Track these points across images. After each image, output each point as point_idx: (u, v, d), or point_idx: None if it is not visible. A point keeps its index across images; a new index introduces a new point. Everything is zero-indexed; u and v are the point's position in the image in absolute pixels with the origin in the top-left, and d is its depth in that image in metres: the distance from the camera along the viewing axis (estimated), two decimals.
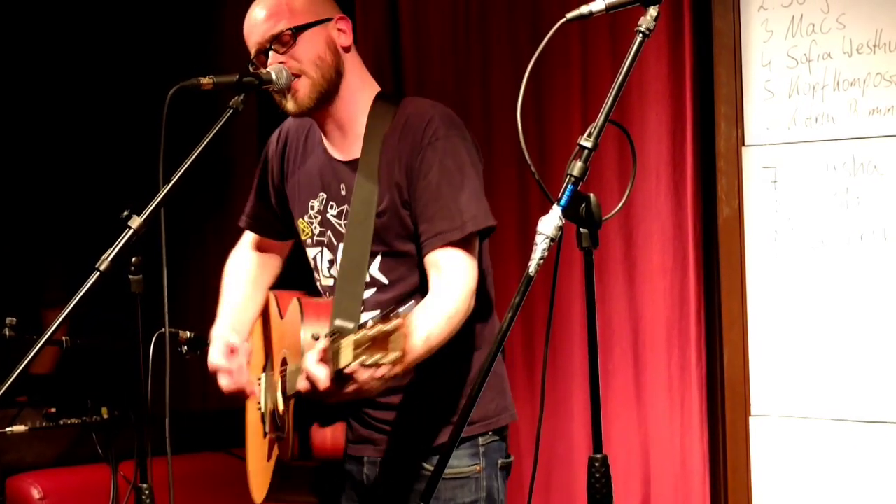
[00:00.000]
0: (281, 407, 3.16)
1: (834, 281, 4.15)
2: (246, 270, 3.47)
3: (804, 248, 4.20)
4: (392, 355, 2.48)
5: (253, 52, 3.12)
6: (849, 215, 4.12)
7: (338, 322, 2.89)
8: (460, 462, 3.07)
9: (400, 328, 2.47)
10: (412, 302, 3.02)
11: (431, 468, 3.05)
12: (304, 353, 2.91)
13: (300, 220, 3.24)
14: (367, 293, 3.10)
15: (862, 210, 4.09)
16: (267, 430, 3.30)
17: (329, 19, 3.13)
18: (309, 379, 2.73)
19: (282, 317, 3.31)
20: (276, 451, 3.19)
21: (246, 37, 3.14)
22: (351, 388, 2.66)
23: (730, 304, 4.37)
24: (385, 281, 3.09)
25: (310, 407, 3.00)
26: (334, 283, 3.16)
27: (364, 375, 2.60)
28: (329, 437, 3.04)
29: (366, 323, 2.53)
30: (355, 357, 2.50)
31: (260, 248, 3.50)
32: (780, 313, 4.25)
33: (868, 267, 4.09)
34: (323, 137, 3.20)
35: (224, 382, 3.20)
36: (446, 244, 2.95)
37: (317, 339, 2.93)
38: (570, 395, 4.75)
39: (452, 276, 2.94)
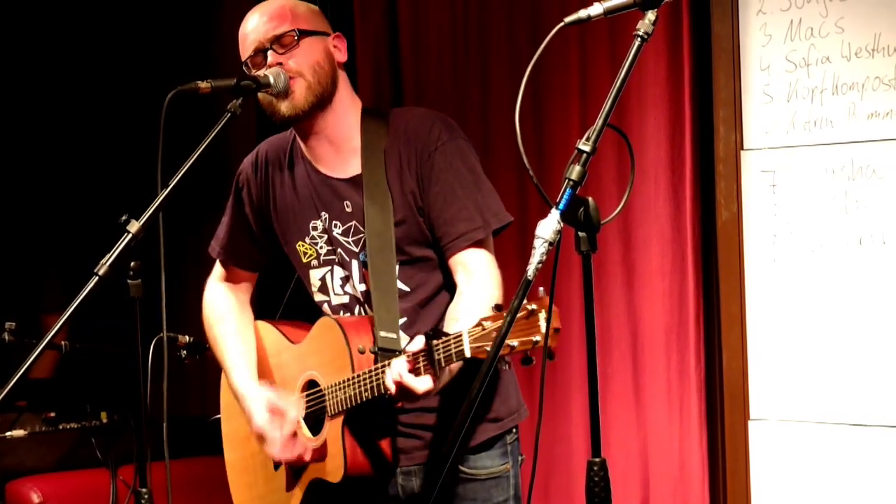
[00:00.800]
0: (307, 432, 3.15)
1: (832, 284, 4.15)
2: (232, 315, 3.43)
3: (803, 251, 4.20)
4: (533, 337, 2.58)
5: (250, 51, 3.11)
6: (847, 219, 4.12)
7: (382, 333, 2.98)
8: (493, 462, 3.11)
9: (536, 311, 2.54)
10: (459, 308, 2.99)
11: (468, 471, 3.10)
12: (354, 367, 2.96)
13: (299, 243, 3.23)
14: None
15: (860, 214, 4.09)
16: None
17: (327, 34, 3.16)
18: (404, 385, 2.76)
19: (293, 342, 3.29)
20: (305, 478, 3.17)
21: (242, 38, 3.14)
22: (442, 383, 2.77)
23: (729, 307, 4.37)
24: (406, 289, 3.10)
25: (358, 422, 3.02)
26: (350, 299, 3.17)
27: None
28: (380, 448, 3.06)
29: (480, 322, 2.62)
30: (474, 350, 2.62)
31: (232, 282, 3.47)
32: (779, 317, 4.25)
33: (867, 270, 4.09)
34: (307, 155, 3.19)
35: (275, 452, 3.16)
36: (470, 244, 3.00)
37: (362, 352, 2.99)
38: (568, 398, 4.75)
39: (482, 275, 2.99)
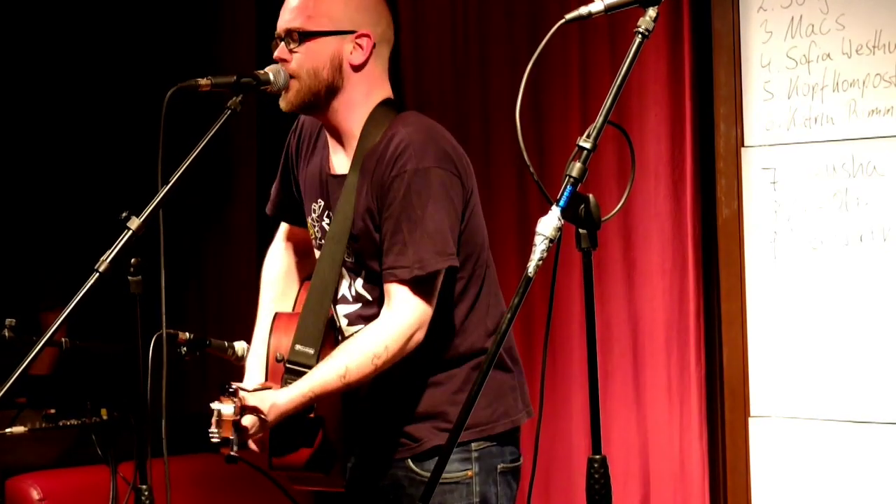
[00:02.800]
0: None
1: (833, 282, 4.15)
2: (275, 283, 3.40)
3: (803, 248, 4.20)
4: (215, 439, 2.86)
5: (276, 32, 3.09)
6: (848, 216, 4.12)
7: (298, 347, 3.03)
8: (450, 467, 3.04)
9: (219, 414, 2.84)
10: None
11: (422, 473, 3.08)
12: (268, 374, 3.07)
13: (307, 218, 3.23)
14: (354, 307, 3.11)
15: (861, 211, 4.09)
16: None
17: (349, 32, 3.06)
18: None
19: None
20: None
21: (280, 14, 3.11)
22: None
23: (729, 304, 4.37)
24: (369, 298, 3.09)
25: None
26: None
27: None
28: (303, 452, 3.08)
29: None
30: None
31: (291, 239, 3.43)
32: (780, 314, 4.25)
33: (867, 268, 4.09)
34: (329, 144, 3.19)
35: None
36: (397, 280, 2.96)
37: (279, 361, 3.05)
38: (569, 395, 4.75)
39: (394, 313, 2.97)
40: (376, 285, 3.06)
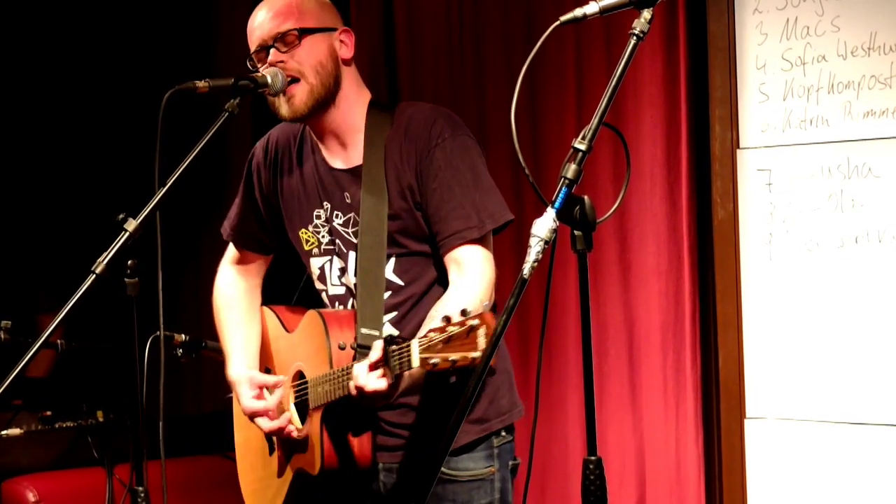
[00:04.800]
0: (297, 420, 3.17)
1: (828, 283, 4.15)
2: (239, 301, 3.43)
3: (799, 250, 4.21)
4: (471, 354, 2.55)
5: (254, 47, 3.10)
6: (843, 218, 4.12)
7: (364, 330, 2.99)
8: (476, 464, 3.08)
9: (476, 327, 2.54)
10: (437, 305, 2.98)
11: (449, 472, 3.07)
12: (332, 363, 2.97)
13: (302, 230, 3.23)
14: (384, 296, 3.10)
15: (857, 213, 4.10)
16: (276, 446, 3.29)
17: (333, 29, 3.13)
18: (363, 389, 2.78)
19: (288, 331, 3.30)
20: (292, 466, 3.19)
21: (249, 32, 3.12)
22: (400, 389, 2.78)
23: (724, 306, 4.37)
24: (400, 282, 3.10)
25: (337, 417, 3.02)
26: (346, 290, 3.17)
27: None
28: (357, 445, 3.05)
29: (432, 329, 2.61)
30: (422, 361, 2.61)
31: (243, 264, 3.46)
32: (775, 316, 4.26)
33: (863, 269, 4.09)
34: (319, 145, 3.19)
35: (263, 423, 3.19)
36: (465, 242, 2.98)
37: (343, 349, 2.98)
38: (564, 397, 4.75)
39: (473, 271, 2.97)
40: (410, 265, 3.08)
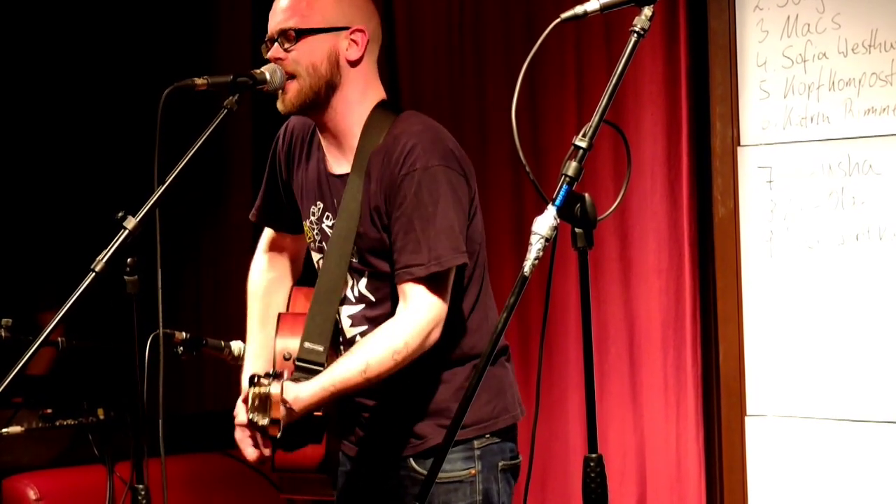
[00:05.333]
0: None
1: (829, 281, 4.15)
2: (265, 294, 3.40)
3: (800, 248, 4.20)
4: (264, 420, 2.83)
5: (268, 35, 3.09)
6: (844, 215, 4.12)
7: (307, 345, 3.03)
8: (453, 466, 3.05)
9: (270, 396, 2.82)
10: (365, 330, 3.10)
11: (423, 472, 3.07)
12: (274, 371, 3.00)
13: (305, 222, 3.23)
14: (357, 308, 3.10)
15: (857, 210, 4.10)
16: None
17: (344, 28, 3.06)
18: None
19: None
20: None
21: (269, 17, 3.12)
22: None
23: (725, 304, 4.37)
24: (372, 299, 3.09)
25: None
26: None
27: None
28: (308, 451, 3.06)
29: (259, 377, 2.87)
30: (247, 413, 2.88)
31: (277, 248, 3.43)
32: (776, 313, 4.26)
33: (863, 267, 4.09)
34: (323, 145, 3.18)
35: (249, 455, 3.16)
36: (413, 279, 2.95)
37: (287, 359, 3.04)
38: (565, 394, 4.75)
39: (412, 311, 2.95)
40: (381, 285, 3.07)
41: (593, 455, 2.42)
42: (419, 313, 2.96)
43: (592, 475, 2.42)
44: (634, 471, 4.61)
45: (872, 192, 4.07)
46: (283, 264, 3.43)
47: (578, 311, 2.47)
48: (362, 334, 3.08)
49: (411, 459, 3.09)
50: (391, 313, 3.03)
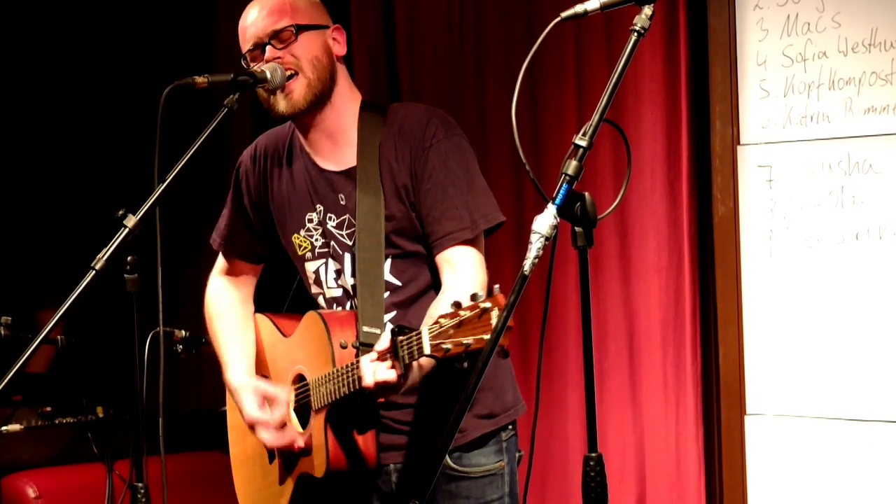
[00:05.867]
0: (296, 423, 3.16)
1: (829, 280, 4.15)
2: (232, 310, 3.43)
3: (799, 246, 4.20)
4: (486, 336, 2.54)
5: (249, 45, 3.10)
6: (844, 214, 4.12)
7: (366, 328, 3.00)
8: (487, 459, 3.10)
9: (489, 309, 2.54)
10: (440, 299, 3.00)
11: (461, 468, 3.09)
12: (335, 362, 2.97)
13: (295, 235, 3.22)
14: (384, 296, 3.11)
15: (857, 209, 4.10)
16: (276, 453, 3.27)
17: (326, 27, 3.14)
18: (375, 380, 2.79)
19: (285, 335, 3.29)
20: (295, 472, 3.18)
21: (242, 31, 3.13)
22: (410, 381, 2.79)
23: (725, 303, 4.37)
24: (398, 283, 3.10)
25: (341, 417, 3.02)
26: (343, 292, 3.18)
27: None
28: (363, 444, 3.04)
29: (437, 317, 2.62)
30: (433, 347, 2.60)
31: (234, 275, 3.46)
32: (776, 312, 4.26)
33: (863, 266, 4.09)
34: (307, 148, 3.18)
35: (267, 437, 3.19)
36: (457, 243, 2.99)
37: (345, 347, 2.98)
38: (565, 393, 4.75)
39: (465, 272, 2.98)
40: (405, 266, 3.09)
41: (593, 454, 2.43)
42: (474, 272, 2.99)
43: (592, 474, 2.42)
44: (634, 470, 4.60)
45: (872, 191, 4.07)
46: (244, 288, 3.47)
47: (578, 310, 2.47)
48: (392, 321, 3.09)
49: (447, 455, 3.08)
50: (416, 294, 3.07)
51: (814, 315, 4.18)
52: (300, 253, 3.23)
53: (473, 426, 3.10)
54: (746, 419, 4.32)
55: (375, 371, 2.77)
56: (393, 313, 3.10)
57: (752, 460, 4.31)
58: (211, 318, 3.45)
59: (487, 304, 2.54)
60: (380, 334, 2.96)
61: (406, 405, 3.08)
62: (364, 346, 2.97)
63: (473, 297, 2.57)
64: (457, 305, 2.58)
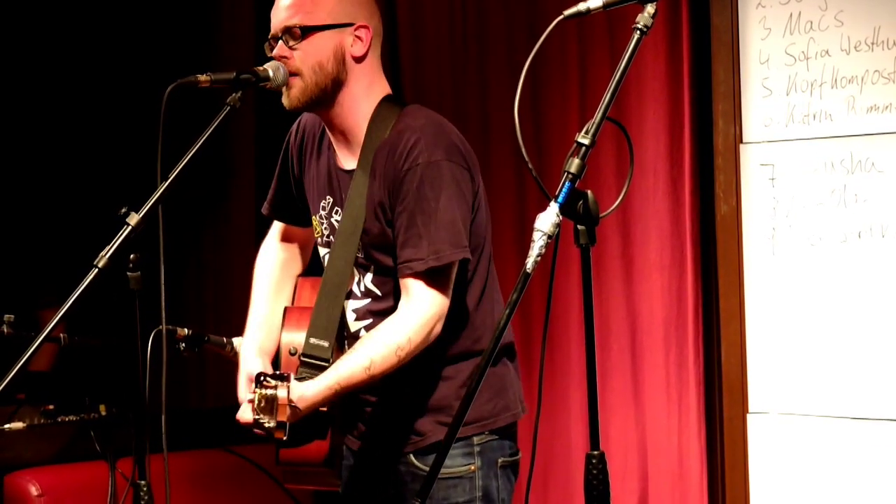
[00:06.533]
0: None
1: (832, 278, 4.15)
2: (270, 273, 3.41)
3: (802, 245, 4.20)
4: (271, 423, 2.79)
5: (271, 33, 3.09)
6: (846, 213, 4.12)
7: (312, 340, 3.03)
8: (453, 462, 3.06)
9: (276, 398, 2.77)
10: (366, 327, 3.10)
11: (423, 467, 3.09)
12: (280, 367, 3.05)
13: (314, 217, 3.23)
14: (362, 303, 3.11)
15: (860, 207, 4.10)
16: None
17: (348, 25, 3.06)
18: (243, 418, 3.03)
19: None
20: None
21: (271, 15, 3.12)
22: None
23: (727, 301, 4.37)
24: (379, 293, 3.10)
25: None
26: None
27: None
28: (314, 445, 3.07)
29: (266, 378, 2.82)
30: (253, 413, 2.82)
31: (286, 239, 3.44)
32: (778, 311, 4.26)
33: (866, 264, 4.09)
34: (333, 141, 3.19)
35: (245, 416, 3.18)
36: (413, 273, 2.97)
37: (293, 354, 3.05)
38: (567, 392, 4.75)
39: (413, 306, 2.97)
40: (386, 280, 3.08)
41: (595, 452, 2.43)
42: (421, 308, 2.97)
43: (594, 472, 2.42)
44: (636, 468, 4.61)
45: (875, 189, 4.07)
46: (293, 250, 3.44)
47: (581, 309, 2.48)
48: (367, 328, 3.09)
49: (412, 455, 3.10)
50: (395, 307, 3.04)
51: (816, 313, 4.18)
52: (315, 235, 3.25)
53: (431, 431, 3.09)
54: (749, 417, 4.32)
55: (243, 412, 2.99)
56: (370, 321, 3.10)
57: (754, 459, 4.31)
58: (257, 276, 3.44)
59: (268, 392, 2.78)
60: (327, 347, 3.00)
61: (367, 401, 3.13)
62: (306, 358, 3.02)
63: (259, 376, 2.81)
64: (279, 377, 2.81)
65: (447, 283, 2.99)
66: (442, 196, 2.98)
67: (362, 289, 3.11)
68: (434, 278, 2.97)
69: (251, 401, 2.85)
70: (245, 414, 3.01)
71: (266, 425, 2.79)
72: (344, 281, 3.08)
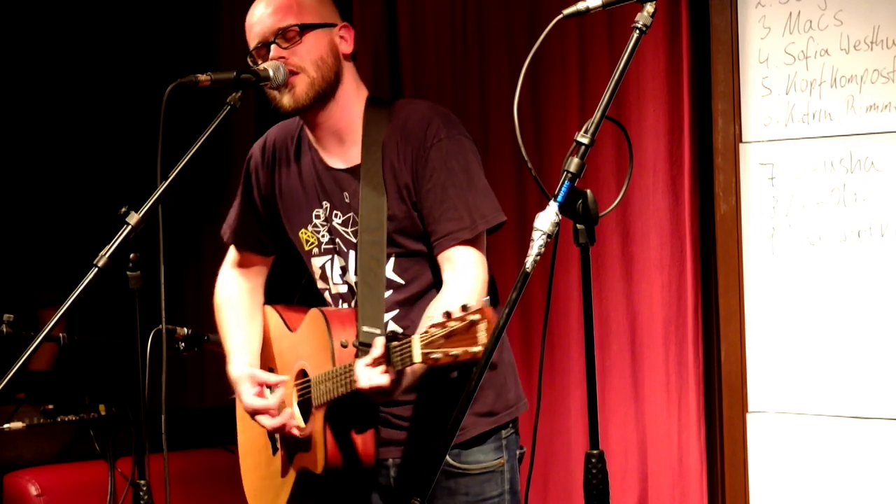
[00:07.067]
0: (299, 418, 3.17)
1: (831, 277, 4.15)
2: (240, 300, 3.44)
3: (801, 244, 4.20)
4: (472, 349, 2.55)
5: (254, 43, 3.10)
6: (846, 212, 4.12)
7: (365, 328, 3.01)
8: (486, 456, 3.11)
9: (477, 322, 2.55)
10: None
11: (460, 465, 3.10)
12: (335, 361, 2.98)
13: (302, 230, 3.23)
14: (386, 294, 3.12)
15: (859, 207, 4.10)
16: (279, 445, 3.29)
17: (333, 25, 3.14)
18: (366, 384, 2.80)
19: (290, 330, 3.30)
20: (295, 465, 3.19)
21: (248, 28, 3.13)
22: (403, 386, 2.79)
23: (727, 300, 4.37)
24: (401, 281, 3.11)
25: (340, 414, 3.03)
26: (348, 289, 3.18)
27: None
28: (361, 442, 3.06)
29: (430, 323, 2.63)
30: (424, 357, 2.62)
31: (244, 267, 3.46)
32: (778, 310, 4.26)
33: (865, 263, 4.09)
34: (315, 145, 3.19)
35: (265, 422, 3.19)
36: (457, 243, 3.00)
37: (345, 346, 3.00)
38: (567, 391, 4.75)
39: (466, 271, 2.99)
40: (409, 265, 3.11)
41: (595, 451, 2.43)
42: (474, 271, 3.00)
43: (594, 471, 2.42)
44: (636, 467, 4.61)
45: (874, 188, 4.07)
46: (255, 280, 3.47)
47: (580, 307, 2.49)
48: (394, 319, 3.11)
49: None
50: (420, 292, 3.08)
51: (816, 313, 4.18)
52: (307, 248, 3.24)
53: (473, 424, 3.11)
54: (748, 416, 4.32)
55: (370, 375, 2.79)
56: (395, 311, 3.11)
57: (754, 457, 4.31)
58: (218, 309, 3.46)
59: (476, 317, 2.55)
60: (379, 334, 2.97)
61: (406, 402, 3.09)
62: (363, 346, 2.98)
63: (464, 307, 2.58)
64: (447, 315, 2.59)
65: (484, 250, 3.06)
66: (470, 167, 3.07)
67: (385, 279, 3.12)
68: (478, 245, 3.03)
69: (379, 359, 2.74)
70: (375, 378, 2.80)
71: (472, 350, 2.56)
72: (380, 269, 3.09)
